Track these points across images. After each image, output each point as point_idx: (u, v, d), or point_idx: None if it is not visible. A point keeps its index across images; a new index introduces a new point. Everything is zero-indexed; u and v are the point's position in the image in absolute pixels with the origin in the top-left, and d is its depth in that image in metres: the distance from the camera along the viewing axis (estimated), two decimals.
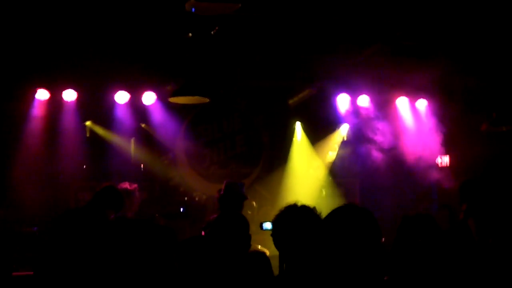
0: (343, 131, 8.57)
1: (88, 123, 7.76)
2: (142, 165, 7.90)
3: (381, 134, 8.18)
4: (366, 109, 8.33)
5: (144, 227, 3.14)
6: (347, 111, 8.39)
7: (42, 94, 7.47)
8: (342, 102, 8.37)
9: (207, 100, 7.07)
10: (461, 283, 2.30)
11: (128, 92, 7.72)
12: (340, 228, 2.10)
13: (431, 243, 1.65)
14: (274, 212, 2.82)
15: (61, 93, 7.52)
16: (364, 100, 8.32)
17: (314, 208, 2.69)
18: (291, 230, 2.61)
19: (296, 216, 2.66)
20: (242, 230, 4.74)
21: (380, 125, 8.20)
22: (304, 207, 2.71)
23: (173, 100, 7.12)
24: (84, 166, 7.55)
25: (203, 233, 5.30)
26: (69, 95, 7.53)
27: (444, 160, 8.14)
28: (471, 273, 2.77)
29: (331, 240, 2.07)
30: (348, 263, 1.98)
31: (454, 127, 7.90)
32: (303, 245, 2.44)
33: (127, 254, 2.93)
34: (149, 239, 3.00)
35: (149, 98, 7.81)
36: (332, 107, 8.37)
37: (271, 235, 2.70)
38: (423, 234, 1.76)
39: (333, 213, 2.21)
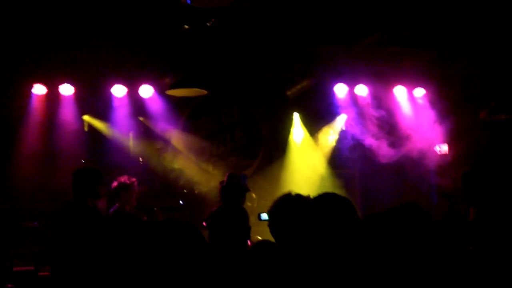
0: (341, 122, 8.56)
1: (86, 117, 7.74)
2: (140, 158, 7.88)
3: (379, 123, 8.17)
4: (364, 98, 8.32)
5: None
6: (345, 101, 8.38)
7: (39, 89, 7.45)
8: (340, 92, 8.36)
9: (205, 92, 7.05)
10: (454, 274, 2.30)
11: (125, 85, 7.70)
12: (319, 215, 2.12)
13: (420, 232, 1.64)
14: None
15: (58, 88, 7.49)
16: (362, 90, 8.31)
17: (309, 196, 2.68)
18: (286, 219, 2.62)
19: (291, 205, 2.67)
20: (242, 222, 4.76)
21: (378, 115, 8.19)
22: (298, 196, 2.71)
23: (170, 92, 7.09)
24: (83, 161, 7.53)
25: (204, 224, 5.31)
26: (66, 89, 7.51)
27: (443, 148, 8.13)
28: (465, 265, 2.77)
29: (314, 227, 2.09)
30: (329, 247, 2.00)
31: (452, 115, 7.89)
32: (299, 234, 2.45)
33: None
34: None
35: (146, 91, 7.79)
36: (330, 98, 8.35)
37: (268, 225, 2.71)
38: (410, 223, 1.74)
39: (313, 201, 2.22)
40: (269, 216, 2.73)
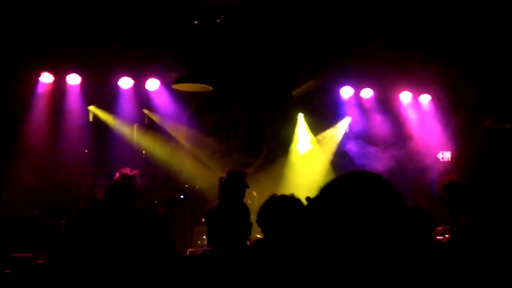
0: (345, 124, 8.57)
1: (91, 107, 7.76)
2: (143, 151, 7.90)
3: (383, 127, 8.17)
4: (369, 102, 8.32)
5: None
6: (350, 104, 8.38)
7: (46, 78, 7.47)
8: (346, 94, 8.36)
9: (210, 88, 7.05)
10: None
11: (132, 78, 7.71)
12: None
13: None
14: None
15: (65, 77, 7.52)
16: (367, 93, 8.32)
17: (298, 199, 2.96)
18: (271, 218, 2.99)
19: (275, 206, 3.00)
20: (243, 218, 4.75)
21: (383, 119, 8.19)
22: (283, 197, 3.01)
23: (176, 87, 7.11)
24: (86, 151, 7.55)
25: (203, 220, 5.32)
26: (73, 79, 7.53)
27: (445, 155, 8.13)
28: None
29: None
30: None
31: (457, 122, 7.89)
32: (284, 231, 2.66)
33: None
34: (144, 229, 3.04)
35: (152, 84, 7.81)
36: (336, 100, 8.36)
37: (257, 223, 2.92)
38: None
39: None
40: (258, 214, 2.95)
